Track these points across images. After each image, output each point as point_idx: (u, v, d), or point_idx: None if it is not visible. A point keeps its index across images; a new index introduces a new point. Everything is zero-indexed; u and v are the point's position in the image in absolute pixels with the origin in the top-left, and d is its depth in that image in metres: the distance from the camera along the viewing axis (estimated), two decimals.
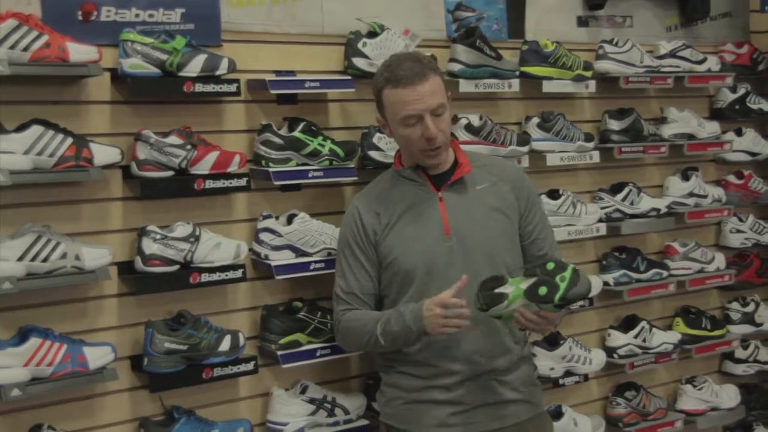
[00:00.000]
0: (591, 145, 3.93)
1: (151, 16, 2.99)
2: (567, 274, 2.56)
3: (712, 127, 4.39)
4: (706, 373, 4.44)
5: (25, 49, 2.65)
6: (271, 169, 3.11)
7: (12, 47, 2.63)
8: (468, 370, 2.74)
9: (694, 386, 4.31)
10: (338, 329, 2.87)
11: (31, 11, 2.75)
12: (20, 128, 2.68)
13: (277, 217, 3.19)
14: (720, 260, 4.41)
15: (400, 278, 2.77)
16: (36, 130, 2.69)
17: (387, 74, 2.73)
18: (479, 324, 2.67)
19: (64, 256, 2.72)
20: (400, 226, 2.79)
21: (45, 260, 2.69)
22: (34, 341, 2.67)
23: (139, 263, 2.89)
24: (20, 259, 2.65)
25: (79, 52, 2.74)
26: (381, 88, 2.75)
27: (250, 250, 3.16)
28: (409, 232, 2.78)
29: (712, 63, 4.34)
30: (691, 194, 4.28)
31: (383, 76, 2.74)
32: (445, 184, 2.81)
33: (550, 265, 2.59)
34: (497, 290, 2.58)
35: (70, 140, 2.73)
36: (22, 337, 2.70)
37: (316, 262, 3.18)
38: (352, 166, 3.29)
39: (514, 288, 2.58)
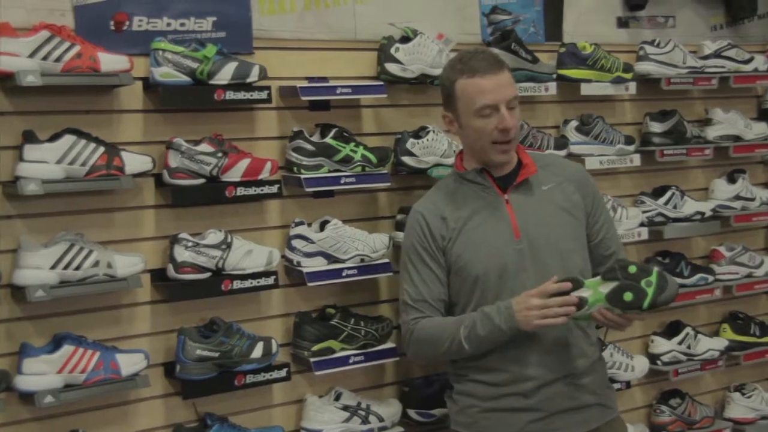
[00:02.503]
0: (632, 148, 3.86)
1: (182, 24, 3.01)
2: (653, 278, 2.50)
3: (760, 128, 4.28)
4: (755, 381, 4.33)
5: (57, 59, 2.69)
6: (303, 176, 3.11)
7: (44, 58, 2.67)
8: (544, 375, 2.67)
9: (743, 394, 4.21)
10: (411, 340, 2.74)
11: (65, 22, 2.79)
12: (53, 138, 2.72)
13: (309, 224, 3.19)
14: None
15: (470, 283, 2.70)
16: (68, 139, 2.72)
17: (461, 66, 2.71)
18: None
19: (96, 264, 2.75)
20: (468, 230, 2.73)
21: (78, 268, 2.72)
22: (67, 348, 2.70)
23: (171, 271, 2.91)
24: (53, 267, 2.69)
25: (110, 62, 2.77)
26: (454, 80, 2.70)
27: (283, 257, 3.16)
28: (478, 236, 2.72)
29: (759, 62, 4.24)
30: (737, 197, 4.19)
31: (456, 69, 2.71)
32: (510, 185, 2.75)
33: (632, 269, 2.51)
34: (575, 294, 2.51)
35: (101, 149, 2.77)
36: (55, 344, 2.74)
37: (348, 268, 3.17)
38: (385, 172, 3.27)
39: (592, 291, 2.51)
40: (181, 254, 2.90)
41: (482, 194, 2.76)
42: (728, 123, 4.16)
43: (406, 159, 3.31)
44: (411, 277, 2.76)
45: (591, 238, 2.82)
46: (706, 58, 4.10)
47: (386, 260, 3.26)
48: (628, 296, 2.48)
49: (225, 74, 2.95)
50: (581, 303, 2.50)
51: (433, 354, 2.77)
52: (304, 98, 3.13)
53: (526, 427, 2.68)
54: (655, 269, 2.53)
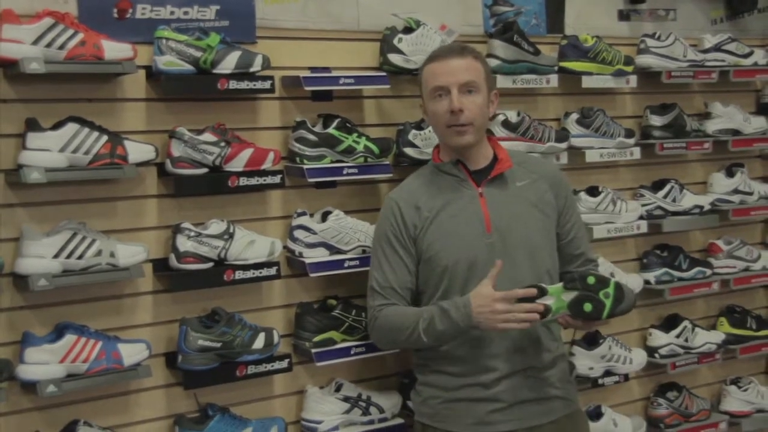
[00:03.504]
0: (632, 141, 3.86)
1: (185, 13, 3.00)
2: (610, 290, 2.57)
3: (759, 122, 4.29)
4: (751, 374, 4.35)
5: (61, 47, 2.67)
6: (305, 166, 3.10)
7: (48, 45, 2.65)
8: (506, 367, 2.71)
9: (739, 387, 4.22)
10: (374, 326, 2.80)
11: (68, 10, 2.77)
12: (56, 126, 2.71)
13: (311, 215, 3.18)
14: (766, 258, 4.30)
15: (439, 273, 2.74)
16: (71, 127, 2.70)
17: (430, 55, 2.81)
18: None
19: (99, 253, 2.73)
20: (441, 221, 2.76)
21: (80, 257, 2.70)
22: (69, 338, 2.69)
23: (173, 260, 2.89)
24: (56, 256, 2.67)
25: (113, 49, 2.75)
26: (422, 67, 2.81)
27: (285, 247, 3.15)
28: (450, 227, 2.74)
29: (759, 56, 4.24)
30: (735, 191, 4.19)
31: (427, 58, 2.81)
32: (485, 179, 2.78)
33: (591, 279, 2.58)
34: (539, 301, 2.55)
35: (105, 138, 2.75)
36: (57, 333, 2.72)
37: (350, 259, 3.17)
38: (387, 162, 3.27)
39: (555, 299, 2.57)
40: (184, 244, 2.89)
41: (457, 186, 2.79)
42: (727, 117, 4.17)
43: (408, 150, 3.30)
44: (380, 263, 2.80)
45: (561, 237, 2.85)
46: (706, 51, 4.10)
47: None
48: (587, 307, 2.57)
49: (228, 63, 2.93)
50: (545, 310, 2.55)
51: (394, 342, 2.83)
52: (307, 88, 3.12)
53: (487, 416, 2.70)
54: (613, 280, 2.61)
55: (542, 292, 2.57)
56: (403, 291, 2.77)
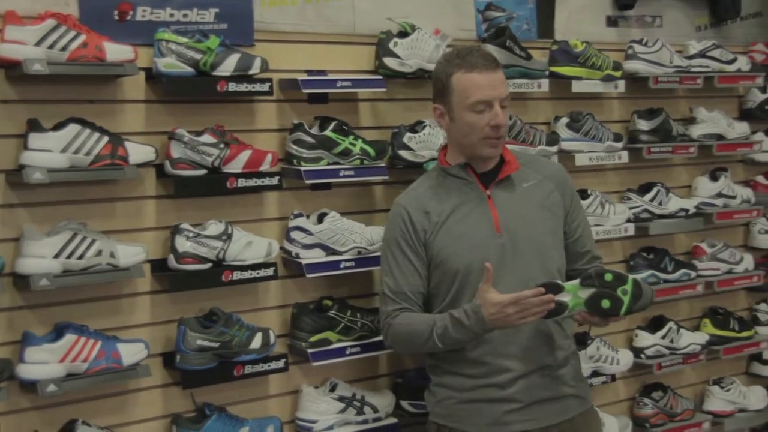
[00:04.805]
0: (620, 145, 3.92)
1: (185, 15, 3.02)
2: (628, 287, 2.60)
3: (742, 128, 4.37)
4: (733, 375, 4.43)
5: (63, 48, 2.68)
6: (302, 168, 3.13)
7: (50, 47, 2.66)
8: (521, 367, 2.72)
9: (722, 387, 4.30)
10: (388, 332, 2.81)
11: (69, 11, 2.78)
12: (57, 127, 2.72)
13: (308, 216, 3.21)
14: (748, 261, 4.39)
15: (451, 276, 2.75)
16: (73, 128, 2.72)
17: (458, 60, 2.75)
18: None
19: (99, 253, 2.75)
20: (450, 225, 2.77)
21: (80, 257, 2.71)
22: (69, 337, 2.70)
23: (172, 261, 2.91)
24: (56, 256, 2.68)
25: (115, 51, 2.76)
26: (451, 73, 2.74)
27: (281, 248, 3.18)
28: (460, 230, 2.76)
29: (742, 63, 4.33)
30: (719, 195, 4.27)
31: (454, 63, 2.75)
32: (492, 181, 2.80)
33: (608, 276, 2.60)
34: (556, 298, 2.57)
35: (105, 139, 2.76)
36: (57, 333, 2.73)
37: (346, 260, 3.20)
38: (383, 165, 3.30)
39: (572, 296, 2.59)
40: (183, 245, 2.91)
41: (465, 189, 2.81)
42: (712, 122, 4.25)
43: (402, 153, 3.34)
44: (391, 269, 2.81)
45: (568, 235, 2.88)
46: (691, 57, 4.18)
47: None
48: (605, 304, 2.59)
49: (228, 66, 2.96)
50: (562, 307, 2.58)
51: (410, 350, 2.88)
52: (305, 91, 3.14)
53: (503, 417, 2.73)
54: (631, 277, 2.63)
55: (558, 289, 2.58)
56: (415, 296, 2.79)
